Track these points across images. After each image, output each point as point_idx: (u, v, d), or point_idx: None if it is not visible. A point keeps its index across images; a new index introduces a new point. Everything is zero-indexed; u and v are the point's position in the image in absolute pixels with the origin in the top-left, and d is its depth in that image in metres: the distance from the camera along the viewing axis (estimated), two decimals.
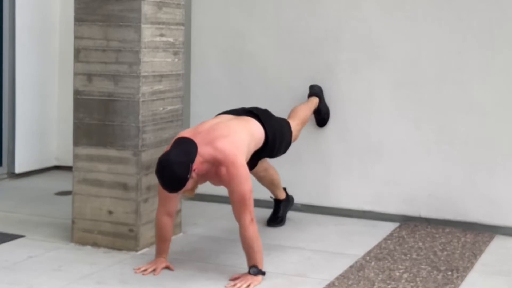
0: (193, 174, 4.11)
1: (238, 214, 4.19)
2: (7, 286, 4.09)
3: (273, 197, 5.39)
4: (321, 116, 5.58)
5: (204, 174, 4.22)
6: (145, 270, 4.34)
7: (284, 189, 5.41)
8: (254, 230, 4.20)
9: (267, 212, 5.40)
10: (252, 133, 4.51)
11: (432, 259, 4.66)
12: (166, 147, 4.41)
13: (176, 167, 4.03)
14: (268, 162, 5.15)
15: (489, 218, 5.26)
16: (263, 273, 4.25)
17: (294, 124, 5.06)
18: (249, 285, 4.16)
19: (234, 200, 4.19)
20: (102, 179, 4.72)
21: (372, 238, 5.06)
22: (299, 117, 5.20)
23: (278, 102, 5.49)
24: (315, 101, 5.48)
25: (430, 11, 5.34)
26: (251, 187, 4.19)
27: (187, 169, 4.05)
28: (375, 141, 5.52)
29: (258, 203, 4.87)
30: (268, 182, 5.22)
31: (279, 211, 5.38)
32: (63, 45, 6.92)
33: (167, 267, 4.40)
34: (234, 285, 4.16)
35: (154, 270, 4.34)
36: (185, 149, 4.13)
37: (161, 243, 4.42)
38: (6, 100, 6.61)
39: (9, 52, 6.57)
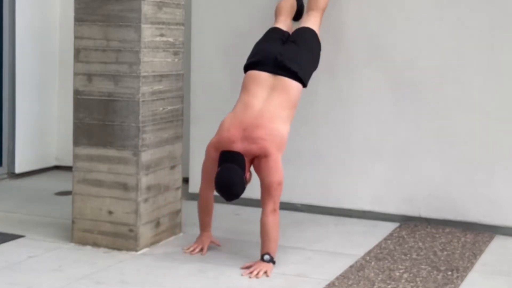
0: (247, 179, 4.44)
1: (263, 202, 4.42)
2: (7, 286, 4.09)
3: None
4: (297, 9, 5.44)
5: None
6: (193, 250, 4.60)
7: None
8: (274, 219, 4.38)
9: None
10: (294, 103, 4.66)
11: (432, 259, 4.66)
12: (168, 146, 4.42)
13: (234, 188, 4.36)
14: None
15: (489, 218, 5.26)
16: (274, 262, 4.36)
17: (318, 22, 5.08)
18: (265, 272, 4.28)
19: (262, 188, 4.43)
20: (102, 179, 4.72)
21: (372, 238, 5.06)
22: (320, 8, 5.14)
23: None
24: None
25: (430, 11, 5.34)
26: (280, 179, 4.41)
27: (243, 183, 4.38)
28: (375, 141, 5.52)
29: (253, 202, 4.91)
30: None
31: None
32: (63, 45, 6.92)
33: (212, 242, 4.66)
34: (251, 272, 4.27)
35: (201, 250, 4.60)
36: (234, 167, 4.37)
37: (206, 216, 4.71)
38: (6, 100, 6.60)
39: (9, 52, 6.56)
